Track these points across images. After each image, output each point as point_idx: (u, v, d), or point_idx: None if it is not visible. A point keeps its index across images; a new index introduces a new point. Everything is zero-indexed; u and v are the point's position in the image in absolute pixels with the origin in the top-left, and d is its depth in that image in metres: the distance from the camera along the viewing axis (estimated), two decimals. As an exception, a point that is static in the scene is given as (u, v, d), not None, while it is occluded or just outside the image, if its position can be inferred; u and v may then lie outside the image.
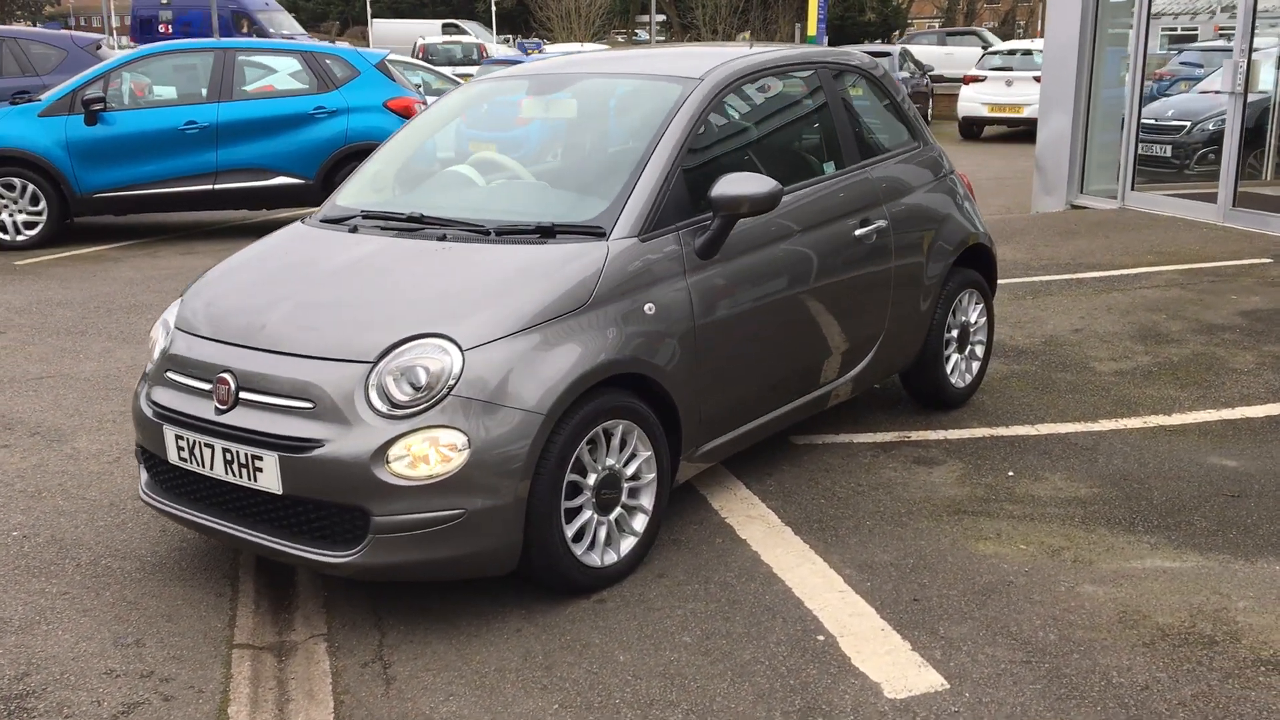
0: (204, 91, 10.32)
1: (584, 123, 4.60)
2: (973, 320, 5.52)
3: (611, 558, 3.76)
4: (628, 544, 3.82)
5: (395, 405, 3.36)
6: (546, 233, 3.85)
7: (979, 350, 5.62)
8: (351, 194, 4.53)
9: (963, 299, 5.42)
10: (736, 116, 4.45)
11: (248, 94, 10.42)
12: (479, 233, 3.91)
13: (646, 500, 3.87)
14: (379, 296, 3.67)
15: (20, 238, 9.97)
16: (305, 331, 3.59)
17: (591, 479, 3.66)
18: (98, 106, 9.88)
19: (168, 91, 10.92)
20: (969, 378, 5.56)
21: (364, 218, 4.23)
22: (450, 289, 3.64)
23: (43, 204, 9.95)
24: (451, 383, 3.37)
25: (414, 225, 4.05)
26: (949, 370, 5.40)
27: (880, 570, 3.85)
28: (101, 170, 9.96)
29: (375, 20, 41.08)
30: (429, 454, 3.33)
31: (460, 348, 3.41)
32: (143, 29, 33.34)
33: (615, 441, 3.71)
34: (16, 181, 9.86)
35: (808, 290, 4.42)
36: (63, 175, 9.88)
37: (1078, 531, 4.15)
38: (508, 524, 3.42)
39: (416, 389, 3.37)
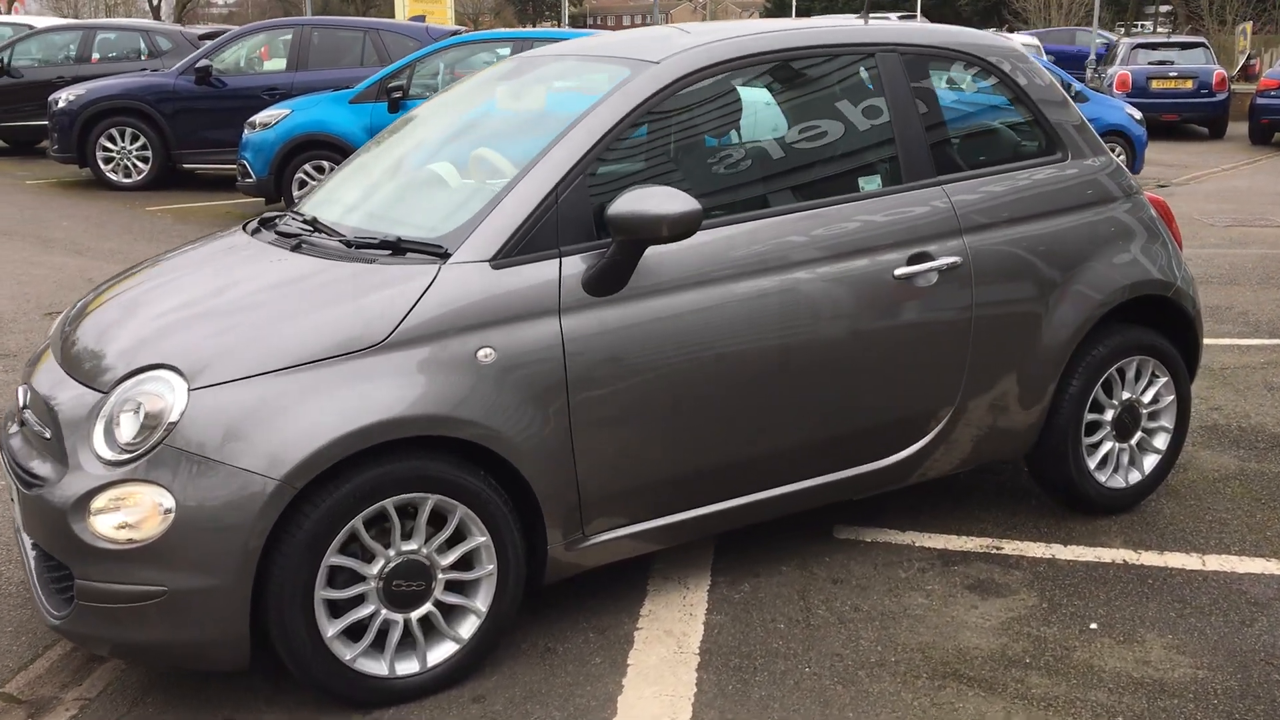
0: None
1: (518, 116, 3.75)
2: (1145, 399, 4.05)
3: (410, 667, 2.96)
4: (443, 652, 3.00)
5: (121, 449, 2.77)
6: (397, 249, 3.10)
7: (1159, 440, 4.12)
8: (324, 188, 3.97)
9: (1127, 368, 3.97)
10: (718, 112, 3.43)
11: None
12: (344, 244, 3.22)
13: (481, 599, 3.02)
14: (166, 312, 3.09)
15: (326, 218, 10.40)
16: (85, 347, 3.10)
17: (376, 566, 2.88)
18: (398, 95, 10.09)
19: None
20: (1135, 476, 4.08)
21: (291, 218, 3.67)
22: (227, 310, 2.99)
23: (348, 187, 10.31)
24: (168, 428, 2.73)
25: (301, 231, 3.43)
26: (1093, 463, 3.98)
27: (750, 748, 2.76)
28: (399, 156, 10.15)
29: None
30: (133, 513, 2.72)
31: (188, 385, 2.76)
32: None
33: (422, 520, 2.91)
34: (326, 164, 10.30)
35: (795, 345, 3.32)
36: (365, 160, 10.18)
37: (1102, 739, 2.79)
38: (225, 612, 2.74)
39: (141, 430, 2.76)
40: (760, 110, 3.58)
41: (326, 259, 3.15)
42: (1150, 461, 4.11)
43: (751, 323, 3.24)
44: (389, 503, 2.84)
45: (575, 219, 3.08)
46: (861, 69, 3.64)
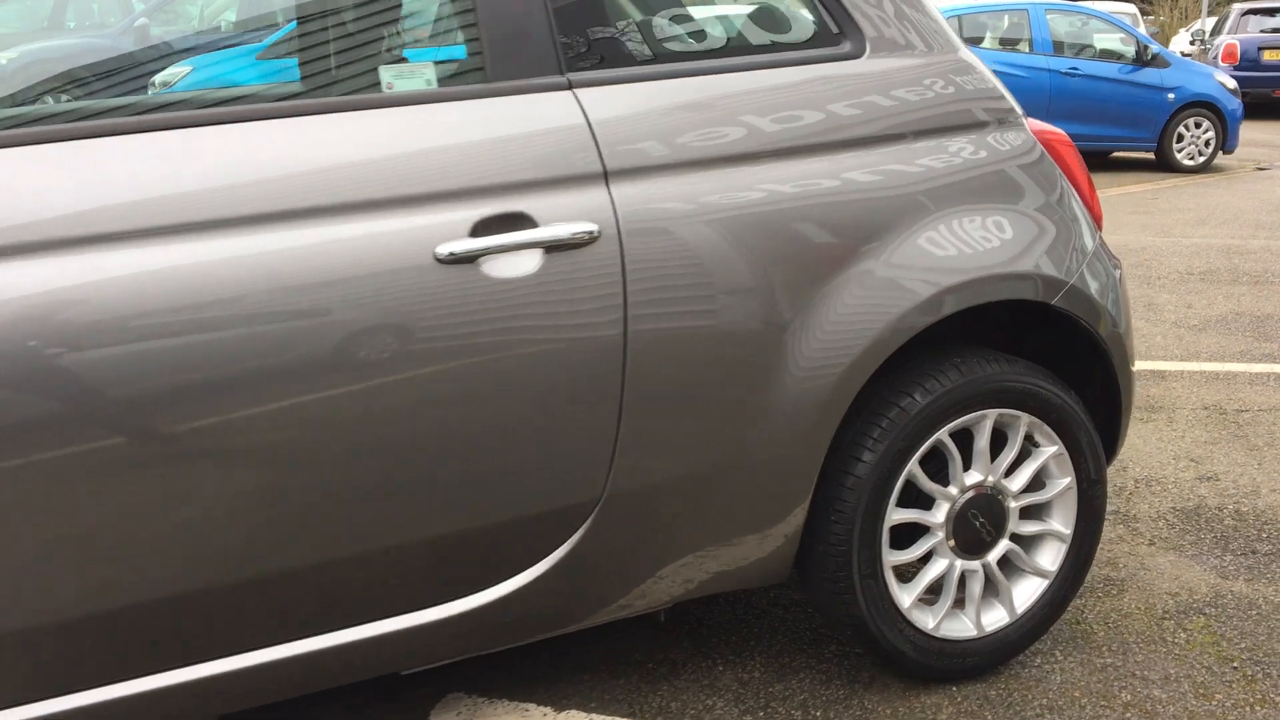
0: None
1: None
2: (1012, 484, 2.29)
3: None
4: None
5: None
6: None
7: (1043, 556, 2.37)
8: None
9: (976, 431, 2.23)
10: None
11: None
12: None
13: None
14: None
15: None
16: None
17: None
18: (308, 48, 8.65)
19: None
20: (998, 617, 2.34)
21: None
22: None
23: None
24: None
25: None
26: (908, 597, 2.25)
27: None
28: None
29: None
30: None
31: None
32: None
33: None
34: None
35: (230, 385, 1.67)
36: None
37: None
38: None
39: None
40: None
41: None
42: (1027, 592, 2.36)
43: (123, 334, 1.60)
44: None
45: None
46: None
